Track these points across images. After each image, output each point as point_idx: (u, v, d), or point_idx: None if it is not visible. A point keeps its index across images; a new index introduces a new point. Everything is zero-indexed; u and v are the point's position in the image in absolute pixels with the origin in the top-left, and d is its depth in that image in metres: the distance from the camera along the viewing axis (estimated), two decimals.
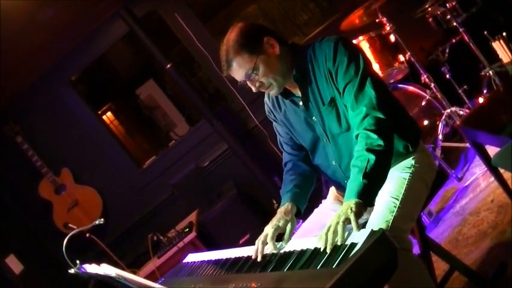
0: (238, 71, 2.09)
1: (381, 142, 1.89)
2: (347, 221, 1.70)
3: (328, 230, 1.69)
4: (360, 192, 1.81)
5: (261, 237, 2.02)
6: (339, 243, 1.61)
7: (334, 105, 2.11)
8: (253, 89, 2.13)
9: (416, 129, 2.28)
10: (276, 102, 2.35)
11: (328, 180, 2.42)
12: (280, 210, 2.17)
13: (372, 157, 1.86)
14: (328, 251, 1.61)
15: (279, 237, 2.05)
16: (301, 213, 2.25)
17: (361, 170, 1.85)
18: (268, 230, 2.05)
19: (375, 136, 1.90)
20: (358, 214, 1.74)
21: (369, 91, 1.99)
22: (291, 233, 2.08)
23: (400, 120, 2.17)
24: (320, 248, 1.64)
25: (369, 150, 1.88)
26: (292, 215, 2.16)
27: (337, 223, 1.68)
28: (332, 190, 2.45)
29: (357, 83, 2.00)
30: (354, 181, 1.85)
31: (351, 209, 1.74)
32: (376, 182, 1.88)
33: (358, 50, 2.09)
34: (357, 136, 1.98)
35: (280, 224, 2.09)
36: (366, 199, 1.81)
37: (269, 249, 1.97)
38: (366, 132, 1.92)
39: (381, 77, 2.16)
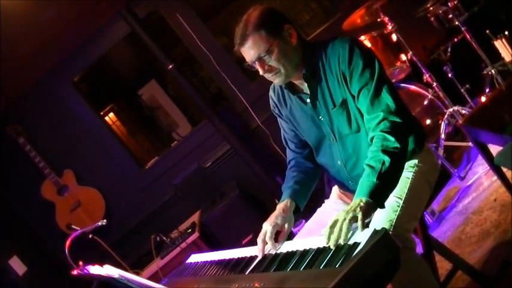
0: (251, 49, 2.06)
1: (397, 145, 1.88)
2: (354, 219, 1.68)
3: (334, 225, 1.68)
4: (372, 192, 1.79)
5: (261, 235, 2.02)
6: (341, 243, 1.61)
7: (345, 107, 2.10)
8: (261, 72, 2.10)
9: (422, 132, 2.28)
10: (281, 97, 2.33)
11: (331, 179, 2.42)
12: (279, 207, 2.16)
13: (387, 159, 1.85)
14: (332, 247, 1.61)
15: (276, 234, 2.05)
16: (300, 210, 2.24)
17: (376, 171, 1.83)
18: (267, 227, 2.04)
19: (392, 138, 1.89)
20: (366, 213, 1.72)
21: (386, 97, 1.99)
22: (288, 233, 2.08)
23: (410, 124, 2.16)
24: (323, 248, 1.64)
25: (384, 151, 1.87)
26: (291, 212, 2.16)
27: (344, 219, 1.67)
28: (335, 189, 2.45)
29: (372, 88, 2.00)
30: (367, 181, 1.83)
31: (360, 207, 1.72)
32: (389, 184, 1.87)
33: (372, 54, 2.09)
34: (371, 138, 1.97)
35: (279, 222, 2.08)
36: (377, 199, 1.79)
37: (268, 248, 1.97)
38: (383, 134, 1.91)
39: (392, 81, 2.15)
